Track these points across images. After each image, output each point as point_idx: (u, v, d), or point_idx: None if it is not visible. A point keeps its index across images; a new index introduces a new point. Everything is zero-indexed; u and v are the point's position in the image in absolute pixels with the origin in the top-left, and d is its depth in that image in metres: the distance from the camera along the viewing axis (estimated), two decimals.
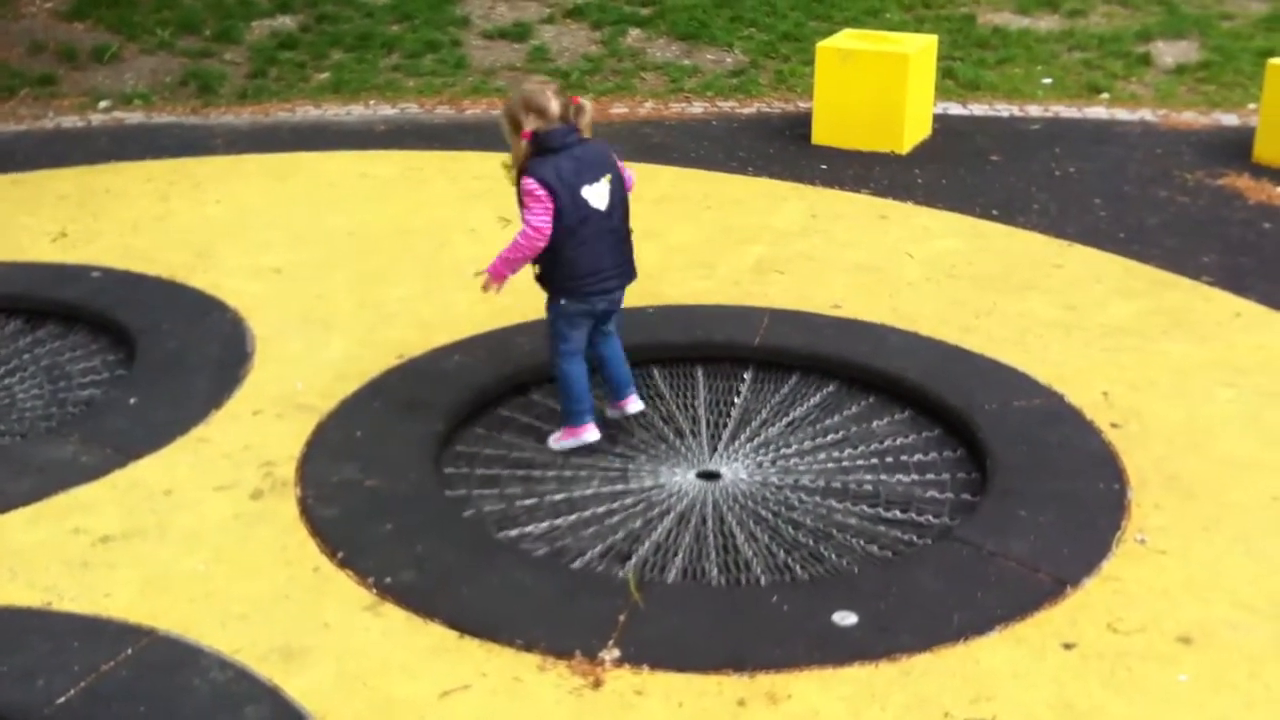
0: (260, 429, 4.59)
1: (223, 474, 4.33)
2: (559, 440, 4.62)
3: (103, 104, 8.62)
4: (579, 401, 4.57)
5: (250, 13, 10.01)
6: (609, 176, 4.36)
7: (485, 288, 4.49)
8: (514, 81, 4.33)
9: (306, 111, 8.51)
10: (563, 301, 4.47)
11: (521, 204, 4.32)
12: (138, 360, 5.07)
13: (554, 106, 4.26)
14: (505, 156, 4.42)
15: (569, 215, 4.26)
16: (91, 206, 6.71)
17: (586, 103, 4.39)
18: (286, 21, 9.94)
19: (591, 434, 4.60)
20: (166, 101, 8.69)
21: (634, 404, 4.73)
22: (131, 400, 4.76)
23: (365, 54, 9.41)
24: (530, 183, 4.25)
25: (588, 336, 4.57)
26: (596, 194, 4.32)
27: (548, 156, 4.25)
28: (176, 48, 9.44)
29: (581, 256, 4.35)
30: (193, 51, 9.39)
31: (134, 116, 8.42)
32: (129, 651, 3.46)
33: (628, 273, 4.51)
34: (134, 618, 3.61)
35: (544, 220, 4.26)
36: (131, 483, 4.28)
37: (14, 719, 3.24)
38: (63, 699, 3.28)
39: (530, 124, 4.26)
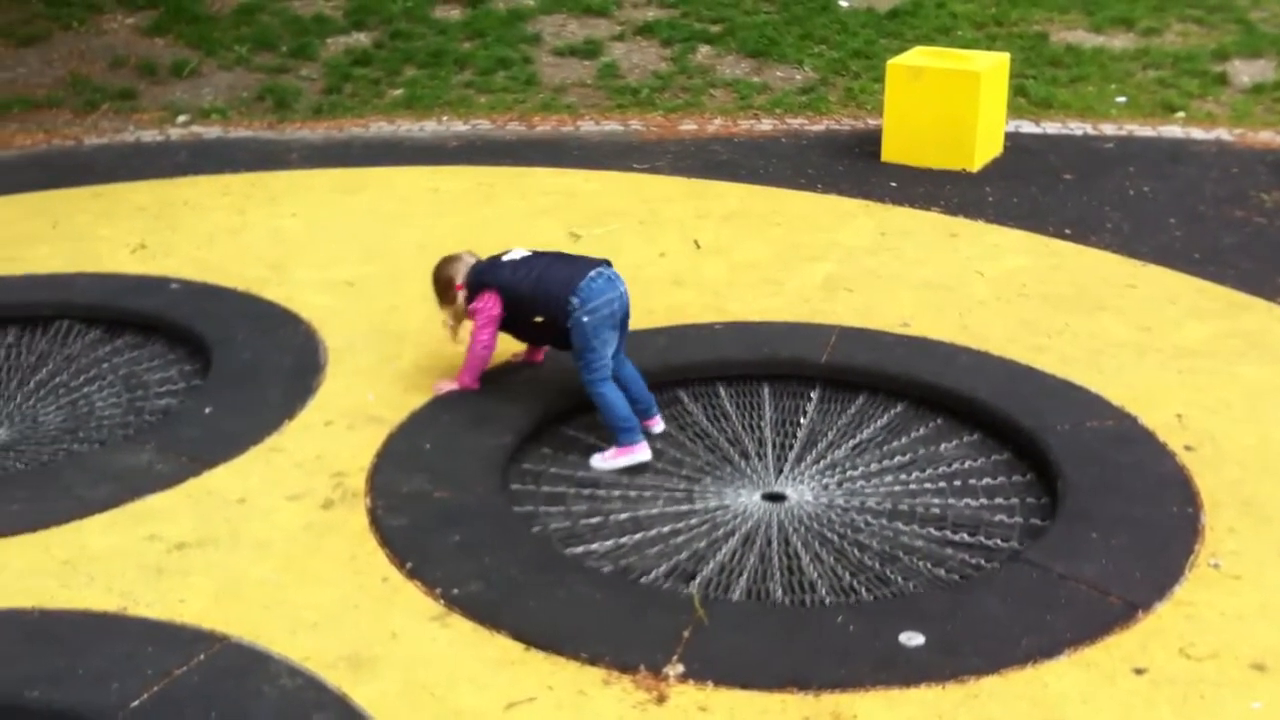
0: (332, 439, 4.65)
1: (294, 483, 4.39)
2: (610, 459, 4.64)
3: (181, 118, 8.79)
4: (628, 419, 4.63)
5: (326, 30, 10.16)
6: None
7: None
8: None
9: (380, 127, 8.62)
10: (585, 319, 4.59)
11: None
12: (213, 371, 5.16)
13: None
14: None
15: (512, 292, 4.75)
16: (169, 219, 6.84)
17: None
18: (361, 38, 10.08)
19: (645, 452, 4.63)
20: (243, 116, 8.83)
21: (658, 425, 4.83)
22: (206, 410, 4.85)
23: (438, 70, 9.51)
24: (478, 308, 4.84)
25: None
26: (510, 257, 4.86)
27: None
28: (253, 64, 9.60)
29: (550, 277, 4.73)
30: (269, 67, 9.55)
31: (211, 131, 8.58)
32: (201, 657, 3.52)
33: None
34: (206, 624, 3.67)
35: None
36: (206, 491, 4.35)
37: None
38: (136, 702, 3.34)
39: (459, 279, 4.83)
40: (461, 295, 4.86)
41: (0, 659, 3.51)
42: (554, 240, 6.35)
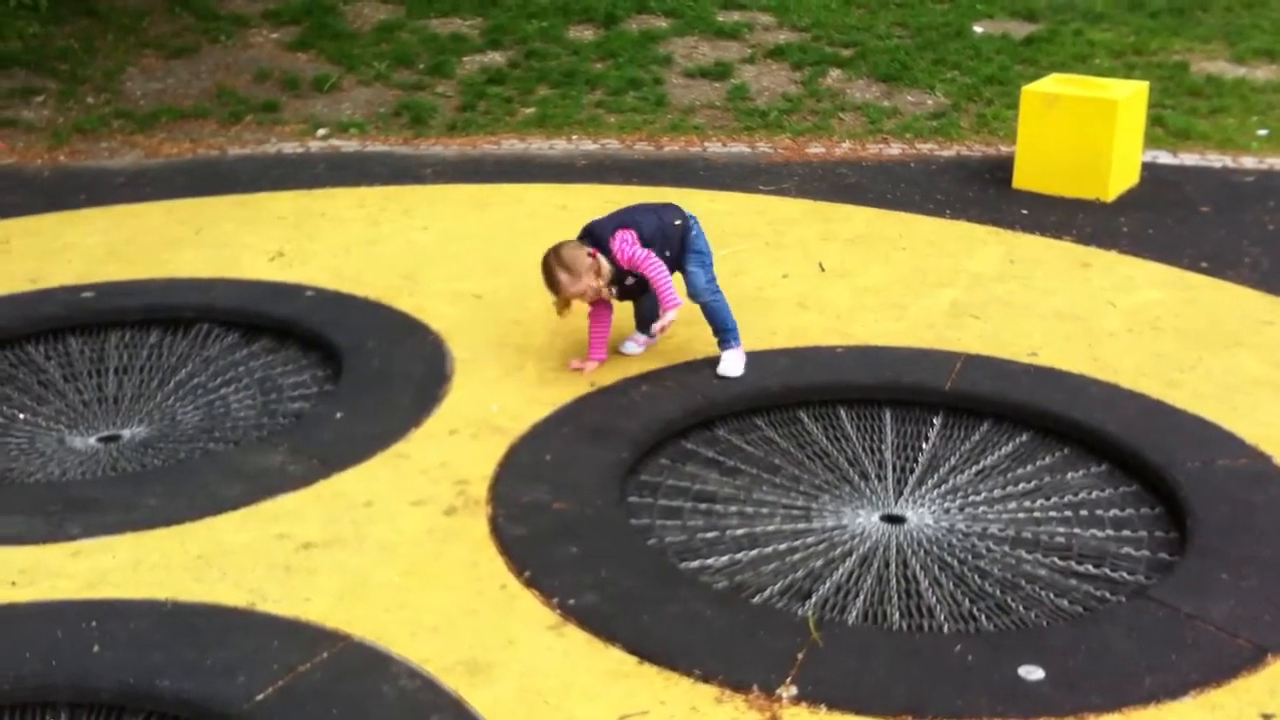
0: (456, 448, 4.74)
1: (419, 489, 4.48)
2: (737, 360, 5.25)
3: (321, 131, 9.03)
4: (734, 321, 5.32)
5: (462, 48, 10.36)
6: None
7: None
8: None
9: (511, 144, 8.76)
10: (699, 232, 5.35)
11: (622, 266, 5.16)
12: (344, 377, 5.29)
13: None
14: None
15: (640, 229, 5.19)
16: (307, 228, 7.03)
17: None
18: (496, 58, 10.26)
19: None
20: (380, 131, 9.05)
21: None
22: (337, 415, 4.98)
23: (570, 90, 9.63)
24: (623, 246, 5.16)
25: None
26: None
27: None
28: (392, 80, 9.83)
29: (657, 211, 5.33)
30: (407, 84, 9.76)
31: (349, 144, 8.80)
32: (324, 655, 3.61)
33: None
34: (331, 623, 3.76)
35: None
36: (334, 493, 4.47)
37: (215, 711, 3.42)
38: (261, 696, 3.44)
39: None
40: (600, 258, 5.09)
41: (134, 647, 3.65)
42: None
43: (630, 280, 5.19)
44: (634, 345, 5.48)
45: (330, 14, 10.88)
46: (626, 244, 5.11)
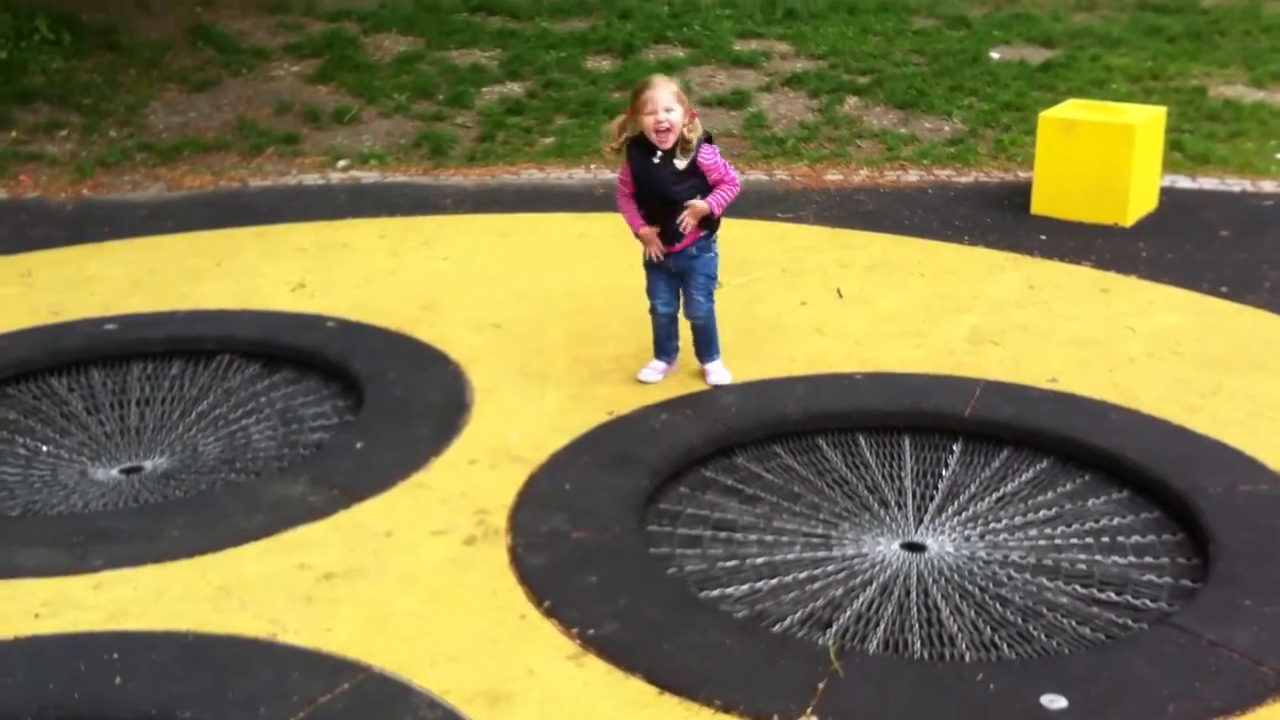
0: (476, 477, 4.76)
1: (439, 519, 4.49)
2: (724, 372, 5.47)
3: (341, 163, 9.10)
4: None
5: (482, 79, 10.44)
6: None
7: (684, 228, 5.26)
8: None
9: (530, 174, 8.81)
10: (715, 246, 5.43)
11: (700, 163, 5.18)
12: (365, 407, 5.31)
13: None
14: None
15: None
16: (328, 259, 7.08)
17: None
18: (515, 88, 10.33)
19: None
20: (400, 162, 9.11)
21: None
22: (358, 445, 5.00)
23: (588, 119, 9.69)
24: (715, 153, 5.26)
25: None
26: None
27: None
28: (411, 111, 9.91)
29: None
30: (426, 115, 9.83)
31: (369, 175, 8.86)
32: (345, 686, 3.61)
33: None
34: (351, 653, 3.77)
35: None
36: (355, 523, 4.48)
37: None
38: None
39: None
40: (697, 119, 5.20)
41: (155, 679, 3.66)
42: None
43: (687, 184, 5.17)
44: (653, 373, 5.49)
45: (350, 46, 10.98)
46: (719, 156, 5.24)
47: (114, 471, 5.07)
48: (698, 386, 5.39)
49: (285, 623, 3.93)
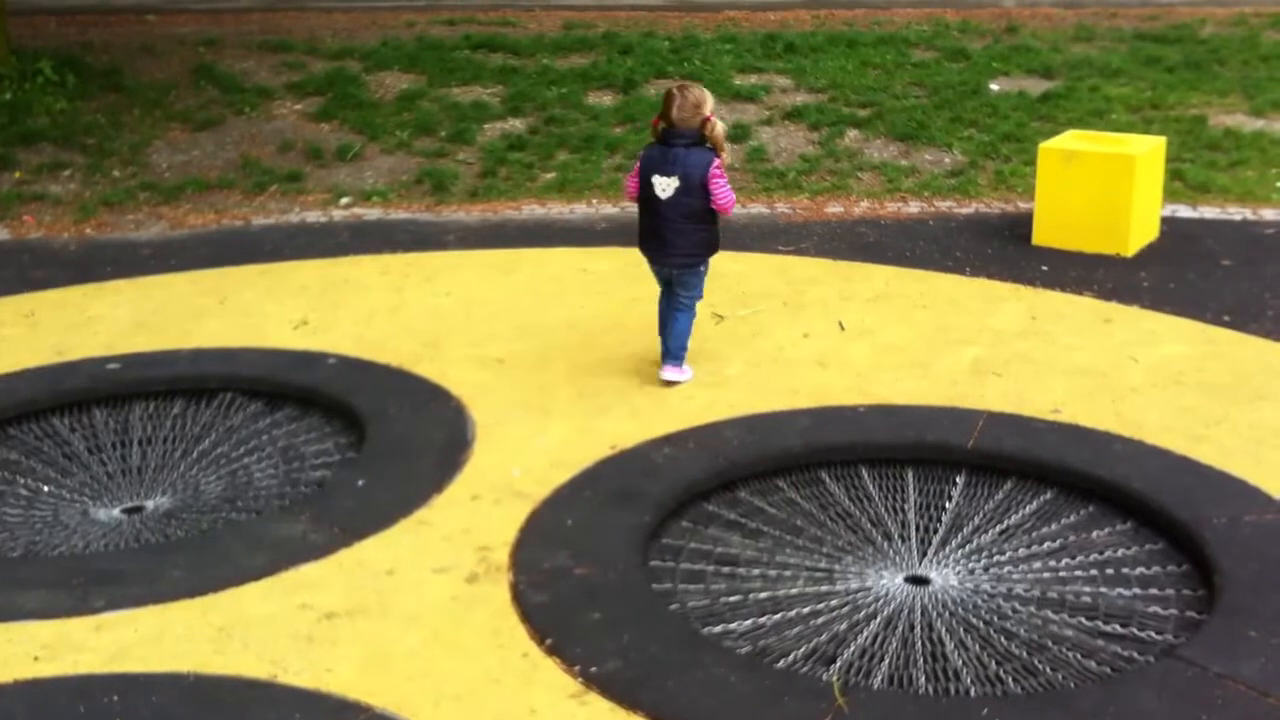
0: (478, 514, 4.74)
1: (442, 556, 4.48)
2: (685, 373, 5.78)
3: (344, 200, 9.13)
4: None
5: (484, 115, 10.48)
6: (678, 178, 5.56)
7: None
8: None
9: (532, 209, 8.83)
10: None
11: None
12: (367, 444, 5.31)
13: (673, 114, 5.57)
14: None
15: (642, 189, 5.72)
16: (331, 296, 7.09)
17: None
18: (517, 124, 10.37)
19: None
20: (403, 199, 9.13)
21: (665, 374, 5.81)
22: (360, 482, 4.99)
23: (589, 155, 9.72)
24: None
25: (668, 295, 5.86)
26: (661, 184, 5.60)
27: (654, 144, 5.69)
28: (414, 148, 9.94)
29: (640, 223, 5.82)
30: (429, 152, 9.87)
31: (372, 212, 8.89)
32: None
33: (659, 251, 5.77)
34: (353, 694, 3.75)
35: (629, 182, 5.84)
36: (356, 562, 4.47)
37: None
38: None
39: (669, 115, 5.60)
40: (717, 120, 5.60)
41: None
42: (701, 320, 6.40)
43: (693, 201, 5.59)
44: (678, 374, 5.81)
45: (353, 84, 11.03)
46: (724, 177, 5.61)
47: (115, 511, 5.07)
48: (700, 419, 5.38)
49: (286, 663, 3.91)
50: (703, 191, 5.56)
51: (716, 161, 5.57)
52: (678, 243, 5.67)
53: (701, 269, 5.78)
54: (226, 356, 6.22)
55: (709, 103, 5.60)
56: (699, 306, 5.88)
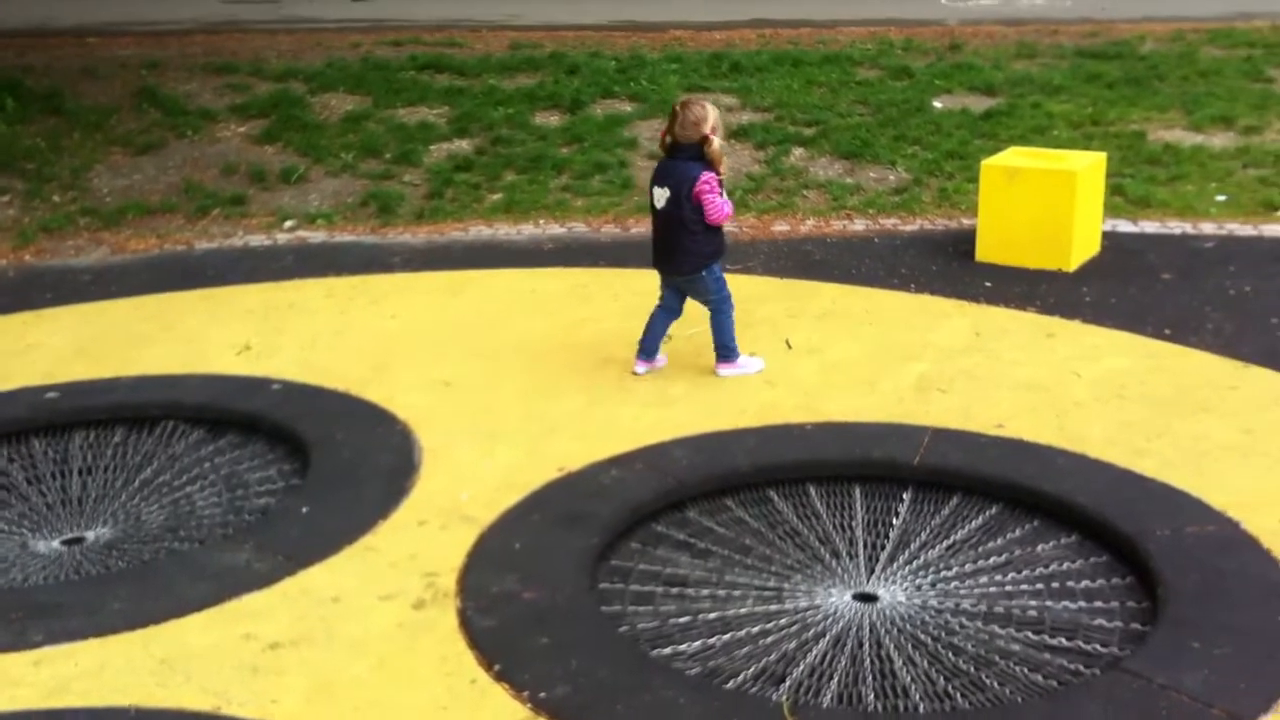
0: (425, 539, 4.71)
1: (388, 583, 4.44)
2: (741, 366, 6.10)
3: (288, 223, 9.06)
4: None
5: (430, 136, 10.45)
6: (669, 189, 5.83)
7: None
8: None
9: (479, 231, 8.81)
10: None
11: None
12: (311, 470, 5.26)
13: (675, 129, 5.81)
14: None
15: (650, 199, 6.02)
16: (275, 321, 7.03)
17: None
18: (463, 145, 10.35)
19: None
20: (348, 221, 9.08)
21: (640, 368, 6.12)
22: (304, 509, 4.94)
23: (536, 175, 9.71)
24: None
25: (671, 297, 6.18)
26: (657, 196, 5.91)
27: (664, 158, 5.98)
28: (359, 170, 9.90)
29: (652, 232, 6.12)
30: (374, 174, 9.83)
31: (317, 235, 8.83)
32: None
33: (661, 261, 6.08)
34: None
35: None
36: (301, 590, 4.42)
37: None
38: None
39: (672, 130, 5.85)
40: (716, 138, 5.77)
41: None
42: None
43: (683, 212, 5.81)
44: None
45: (297, 106, 10.98)
46: (716, 186, 5.79)
47: (55, 543, 4.99)
48: (649, 440, 5.38)
49: (230, 695, 3.85)
50: (691, 203, 5.79)
51: (706, 175, 5.77)
52: (672, 253, 5.98)
53: (705, 275, 6.02)
54: (168, 384, 6.15)
55: (710, 119, 5.79)
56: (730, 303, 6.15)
